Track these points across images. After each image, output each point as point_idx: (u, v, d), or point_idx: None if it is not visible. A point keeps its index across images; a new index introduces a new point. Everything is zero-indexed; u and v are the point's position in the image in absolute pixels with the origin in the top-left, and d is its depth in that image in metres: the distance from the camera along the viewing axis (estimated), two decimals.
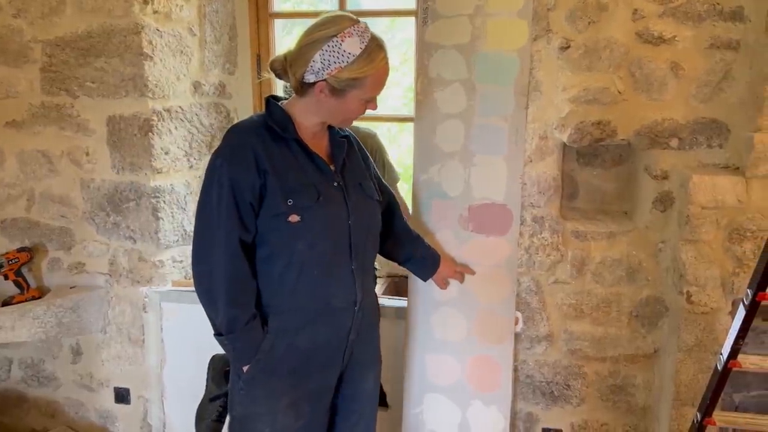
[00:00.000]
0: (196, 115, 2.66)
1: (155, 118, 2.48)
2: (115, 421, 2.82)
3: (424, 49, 2.20)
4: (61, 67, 2.50)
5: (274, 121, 1.63)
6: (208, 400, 2.20)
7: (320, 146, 1.71)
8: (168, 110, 2.53)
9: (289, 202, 1.58)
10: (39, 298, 2.60)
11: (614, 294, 2.30)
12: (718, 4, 2.04)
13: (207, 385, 2.23)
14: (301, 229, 1.59)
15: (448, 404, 2.28)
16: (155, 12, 2.43)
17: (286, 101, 1.70)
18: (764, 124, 1.96)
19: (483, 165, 2.19)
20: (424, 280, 2.14)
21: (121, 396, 2.77)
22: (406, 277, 2.31)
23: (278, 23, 2.82)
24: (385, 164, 2.58)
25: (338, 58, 1.53)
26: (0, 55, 2.55)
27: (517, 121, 2.15)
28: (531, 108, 2.20)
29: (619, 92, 2.15)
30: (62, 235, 2.68)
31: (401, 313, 2.40)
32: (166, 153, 2.55)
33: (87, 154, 2.57)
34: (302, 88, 1.61)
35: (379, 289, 2.71)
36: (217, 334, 1.67)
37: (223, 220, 1.57)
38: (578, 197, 2.46)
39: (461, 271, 2.20)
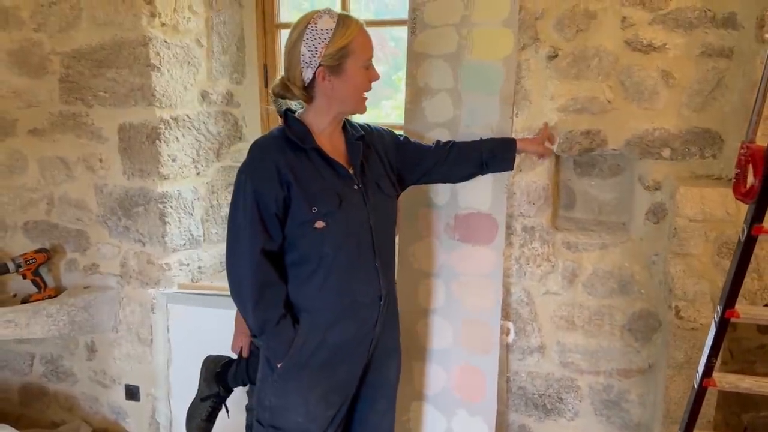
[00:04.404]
0: (204, 123, 2.75)
1: (162, 126, 2.57)
2: (126, 417, 2.93)
3: (413, 59, 2.22)
4: (77, 77, 2.63)
5: (292, 133, 1.71)
6: (200, 399, 2.27)
7: (338, 151, 1.78)
8: (175, 119, 2.63)
9: (314, 209, 1.66)
10: (55, 297, 2.73)
11: (606, 306, 2.25)
12: (709, 10, 1.98)
13: (199, 385, 2.30)
14: (327, 233, 1.69)
15: (434, 413, 2.28)
16: (163, 24, 2.53)
17: (301, 111, 1.78)
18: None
19: None
20: (510, 170, 2.02)
21: (132, 393, 2.88)
22: None
23: (284, 34, 2.86)
24: None
25: (319, 38, 1.63)
26: (24, 66, 2.71)
27: (502, 130, 2.13)
28: (520, 117, 2.19)
29: (609, 101, 2.11)
30: (78, 238, 2.81)
31: None
32: (174, 160, 2.64)
33: (100, 160, 2.69)
34: (308, 90, 1.70)
35: None
36: (253, 335, 1.80)
37: (248, 231, 1.67)
38: (575, 207, 2.42)
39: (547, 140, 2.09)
